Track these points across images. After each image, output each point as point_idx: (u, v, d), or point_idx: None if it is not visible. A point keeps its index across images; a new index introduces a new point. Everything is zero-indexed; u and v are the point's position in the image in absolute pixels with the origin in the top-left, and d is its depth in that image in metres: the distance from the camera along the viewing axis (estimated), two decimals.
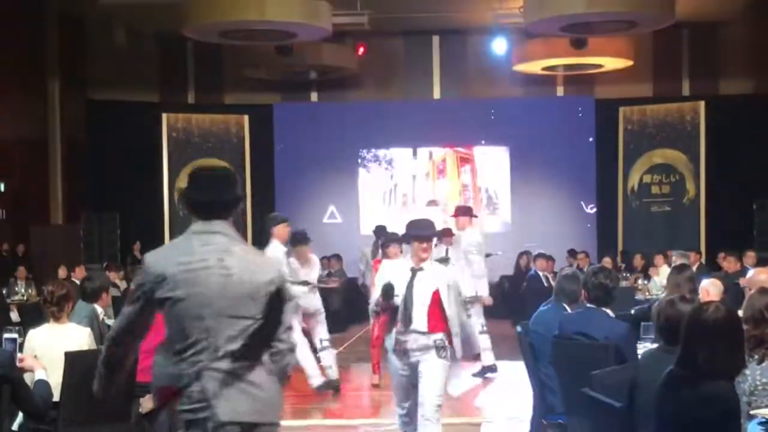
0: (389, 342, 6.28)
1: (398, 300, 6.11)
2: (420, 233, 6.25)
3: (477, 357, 6.12)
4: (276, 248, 9.11)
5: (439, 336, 6.11)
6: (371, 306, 6.53)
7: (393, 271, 6.32)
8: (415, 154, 19.42)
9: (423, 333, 6.10)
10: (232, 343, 3.51)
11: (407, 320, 6.09)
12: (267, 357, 3.59)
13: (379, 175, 19.50)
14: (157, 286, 3.54)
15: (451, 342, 6.13)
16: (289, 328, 3.71)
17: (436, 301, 6.10)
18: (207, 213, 3.64)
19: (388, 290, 6.12)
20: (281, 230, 9.24)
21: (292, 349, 3.72)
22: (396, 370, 6.27)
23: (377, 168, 19.52)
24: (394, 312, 6.18)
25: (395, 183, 19.49)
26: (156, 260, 3.59)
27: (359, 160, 19.48)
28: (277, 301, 3.60)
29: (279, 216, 9.65)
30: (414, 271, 6.18)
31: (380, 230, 11.98)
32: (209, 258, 3.56)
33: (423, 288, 6.12)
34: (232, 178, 3.78)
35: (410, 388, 6.19)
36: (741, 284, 8.49)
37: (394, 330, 6.21)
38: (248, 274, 3.56)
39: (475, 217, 11.91)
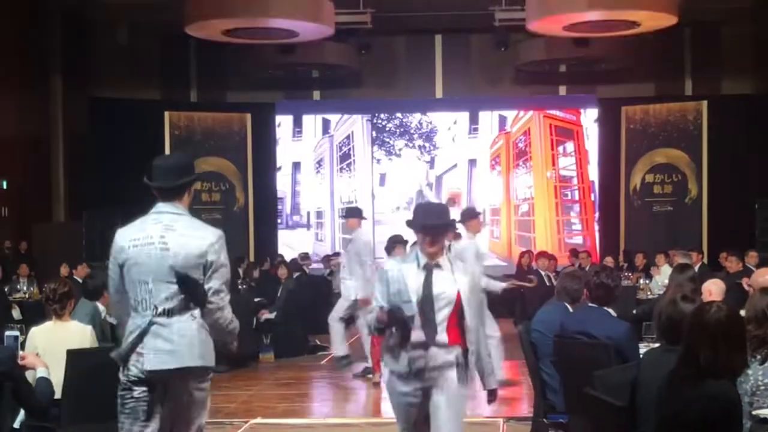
0: (395, 363, 4.84)
1: (409, 307, 4.73)
2: (426, 222, 4.88)
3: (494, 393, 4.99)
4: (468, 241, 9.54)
5: (459, 351, 4.81)
6: (369, 321, 5.00)
7: (399, 270, 4.84)
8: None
9: (443, 346, 4.77)
10: (167, 302, 4.40)
11: (431, 331, 4.74)
12: (198, 313, 4.43)
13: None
14: (119, 256, 4.50)
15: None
16: (217, 291, 4.45)
17: (457, 308, 4.81)
18: (161, 197, 4.56)
19: (395, 311, 4.70)
20: (474, 224, 9.71)
21: (220, 308, 4.48)
22: (400, 396, 4.87)
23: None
24: (403, 325, 4.75)
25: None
26: (120, 235, 4.56)
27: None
28: (207, 270, 4.43)
29: (472, 210, 10.11)
30: (429, 269, 4.83)
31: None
32: (154, 235, 4.45)
33: (443, 289, 4.79)
34: (178, 167, 4.61)
35: (420, 420, 4.86)
36: (744, 285, 8.48)
37: (405, 347, 4.79)
38: (182, 249, 4.41)
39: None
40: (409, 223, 4.95)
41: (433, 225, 4.87)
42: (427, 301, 4.77)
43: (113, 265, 4.52)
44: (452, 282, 4.83)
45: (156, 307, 4.39)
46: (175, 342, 4.35)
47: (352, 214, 10.98)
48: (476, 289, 5.00)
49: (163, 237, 4.44)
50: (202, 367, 4.45)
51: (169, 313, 4.39)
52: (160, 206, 4.55)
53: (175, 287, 4.37)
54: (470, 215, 9.92)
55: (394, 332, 4.81)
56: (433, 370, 4.76)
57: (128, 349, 4.38)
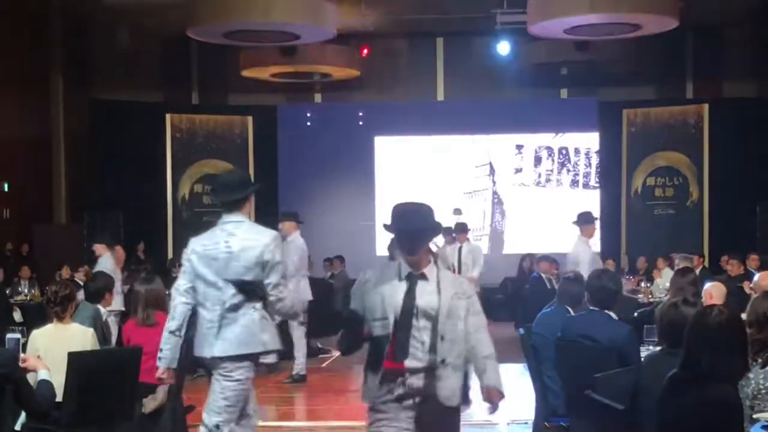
0: (368, 391, 4.35)
1: (382, 326, 4.26)
2: (402, 226, 4.35)
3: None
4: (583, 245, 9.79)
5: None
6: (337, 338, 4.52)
7: (377, 282, 4.36)
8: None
9: (422, 370, 4.25)
10: (233, 299, 5.14)
11: (401, 352, 4.24)
12: (259, 305, 5.17)
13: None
14: (192, 257, 5.28)
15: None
16: (276, 285, 5.18)
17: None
18: (224, 208, 5.37)
19: (351, 318, 4.33)
20: (589, 229, 9.97)
21: (280, 299, 5.22)
22: (384, 425, 4.32)
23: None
24: (377, 344, 4.30)
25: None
26: (193, 242, 5.36)
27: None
28: (265, 268, 5.15)
29: (588, 214, 10.26)
30: (413, 281, 4.31)
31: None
32: (220, 241, 5.24)
33: (428, 304, 4.27)
34: (237, 182, 5.42)
35: None
36: (746, 288, 8.48)
37: (379, 371, 4.28)
38: (243, 251, 5.17)
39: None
40: (387, 227, 4.39)
41: (413, 230, 4.31)
42: (406, 317, 4.24)
43: (187, 265, 5.31)
44: (437, 295, 4.28)
45: (224, 303, 5.15)
46: (240, 332, 5.10)
47: (288, 217, 10.71)
48: (471, 305, 4.38)
49: (227, 242, 5.22)
50: (264, 352, 5.26)
51: (235, 308, 5.14)
52: (225, 217, 5.34)
53: (239, 285, 5.14)
54: (585, 220, 9.92)
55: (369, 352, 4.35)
56: (413, 397, 4.25)
57: (201, 338, 5.17)
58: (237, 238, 5.21)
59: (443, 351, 4.26)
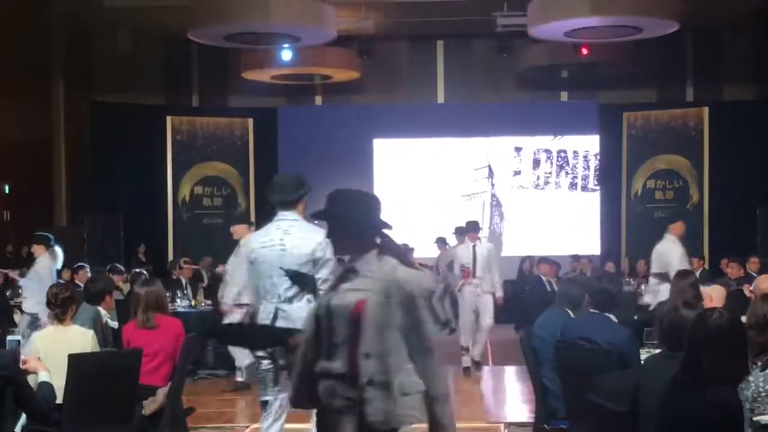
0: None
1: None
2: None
3: None
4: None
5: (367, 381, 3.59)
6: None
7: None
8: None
9: (341, 378, 3.64)
10: (288, 291, 5.55)
11: (320, 356, 3.73)
12: (312, 298, 5.44)
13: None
14: (250, 255, 5.70)
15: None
16: (325, 280, 5.38)
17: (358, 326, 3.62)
18: (280, 207, 5.68)
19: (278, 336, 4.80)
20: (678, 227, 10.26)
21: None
22: None
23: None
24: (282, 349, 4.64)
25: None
26: (251, 238, 5.86)
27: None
28: (316, 264, 5.52)
29: None
30: (342, 274, 3.87)
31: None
32: (275, 238, 5.60)
33: (343, 302, 3.68)
34: (293, 183, 5.73)
35: None
36: (746, 291, 8.48)
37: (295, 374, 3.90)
38: (296, 249, 5.54)
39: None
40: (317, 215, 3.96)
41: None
42: (324, 316, 3.75)
43: (245, 262, 5.79)
44: (355, 292, 3.67)
45: (280, 296, 5.56)
46: (296, 322, 5.12)
47: (239, 220, 10.74)
48: (399, 308, 3.60)
49: (282, 240, 5.58)
50: None
51: (290, 299, 5.54)
52: (280, 215, 5.69)
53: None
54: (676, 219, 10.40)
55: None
56: (331, 411, 3.69)
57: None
58: (292, 237, 5.59)
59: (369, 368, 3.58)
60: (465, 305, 11.33)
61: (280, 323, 5.44)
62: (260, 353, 5.56)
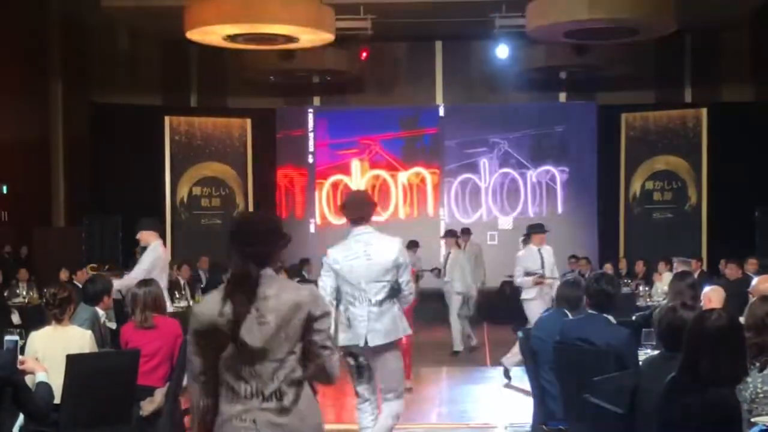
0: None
1: None
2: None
3: None
4: None
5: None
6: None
7: None
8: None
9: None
10: (377, 296, 6.17)
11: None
12: (397, 300, 6.24)
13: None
14: (334, 266, 6.20)
15: None
16: (408, 282, 6.27)
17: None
18: (354, 223, 6.27)
19: None
20: None
21: (411, 293, 6.36)
22: None
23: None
24: None
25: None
26: (333, 252, 6.23)
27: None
28: (399, 269, 6.19)
29: None
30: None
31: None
32: (359, 250, 6.19)
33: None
34: (363, 200, 6.47)
35: None
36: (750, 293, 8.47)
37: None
38: (381, 257, 6.17)
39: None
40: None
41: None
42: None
43: (330, 271, 6.23)
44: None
45: (370, 300, 6.17)
46: (387, 323, 6.18)
47: (145, 225, 10.37)
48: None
49: (366, 251, 6.19)
50: (404, 335, 6.45)
51: (380, 303, 6.18)
52: (357, 229, 6.27)
53: (380, 285, 6.17)
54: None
55: None
56: None
57: (357, 331, 6.18)
58: (374, 247, 6.21)
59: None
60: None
61: (371, 325, 6.16)
62: (351, 350, 6.24)
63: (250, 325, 3.34)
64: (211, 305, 3.41)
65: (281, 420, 3.37)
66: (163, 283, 8.78)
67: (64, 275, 13.31)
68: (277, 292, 3.40)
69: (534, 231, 11.66)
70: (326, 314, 3.46)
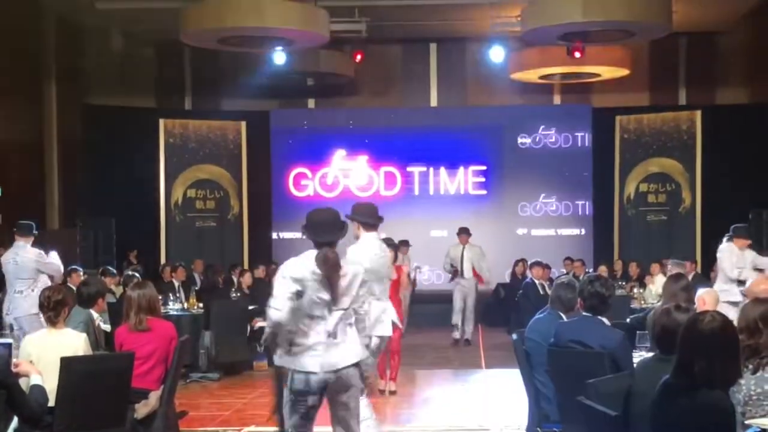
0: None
1: None
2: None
3: None
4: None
5: None
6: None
7: None
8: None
9: None
10: (383, 294, 7.11)
11: None
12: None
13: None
14: (366, 265, 6.07)
15: None
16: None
17: None
18: (367, 229, 6.96)
19: None
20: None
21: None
22: None
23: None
24: None
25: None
26: (355, 252, 6.56)
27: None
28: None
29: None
30: None
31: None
32: (379, 251, 7.00)
33: None
34: (375, 211, 7.06)
35: None
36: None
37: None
38: (386, 257, 7.15)
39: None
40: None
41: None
42: None
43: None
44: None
45: (377, 296, 6.86)
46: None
47: (22, 230, 10.87)
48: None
49: (383, 251, 7.12)
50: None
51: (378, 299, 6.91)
52: (372, 235, 6.99)
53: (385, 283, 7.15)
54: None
55: None
56: None
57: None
58: (383, 248, 7.20)
59: None
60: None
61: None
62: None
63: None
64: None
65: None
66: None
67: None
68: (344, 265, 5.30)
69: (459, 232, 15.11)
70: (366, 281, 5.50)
